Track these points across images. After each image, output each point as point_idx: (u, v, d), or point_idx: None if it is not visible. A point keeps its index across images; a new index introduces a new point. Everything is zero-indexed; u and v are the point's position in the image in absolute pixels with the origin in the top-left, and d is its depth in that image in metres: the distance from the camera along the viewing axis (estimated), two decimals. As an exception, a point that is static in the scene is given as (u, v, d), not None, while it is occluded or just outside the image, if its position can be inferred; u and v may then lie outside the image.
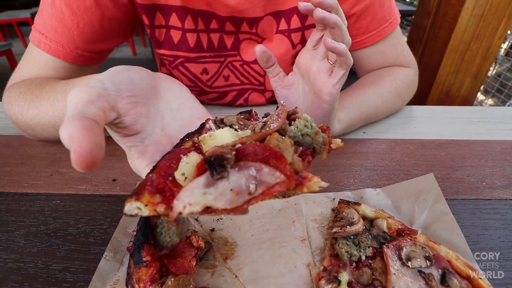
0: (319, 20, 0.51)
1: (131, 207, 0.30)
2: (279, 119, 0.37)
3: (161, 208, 0.31)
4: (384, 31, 0.84)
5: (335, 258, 0.47)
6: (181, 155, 0.33)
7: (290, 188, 0.29)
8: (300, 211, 0.56)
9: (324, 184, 0.30)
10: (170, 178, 0.32)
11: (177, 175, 0.31)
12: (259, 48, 0.59)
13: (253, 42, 0.88)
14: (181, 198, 0.29)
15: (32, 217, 0.56)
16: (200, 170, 0.30)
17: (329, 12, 0.51)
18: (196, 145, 0.38)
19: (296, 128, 0.36)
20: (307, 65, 0.61)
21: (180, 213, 0.28)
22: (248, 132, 0.37)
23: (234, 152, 0.30)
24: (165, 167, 0.33)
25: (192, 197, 0.28)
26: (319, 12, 0.50)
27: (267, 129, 0.36)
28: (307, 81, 0.62)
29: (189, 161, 0.31)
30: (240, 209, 0.28)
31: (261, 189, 0.28)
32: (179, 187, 0.31)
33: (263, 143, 0.32)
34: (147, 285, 0.40)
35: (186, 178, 0.31)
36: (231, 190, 0.28)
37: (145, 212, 0.30)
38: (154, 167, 0.34)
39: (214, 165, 0.28)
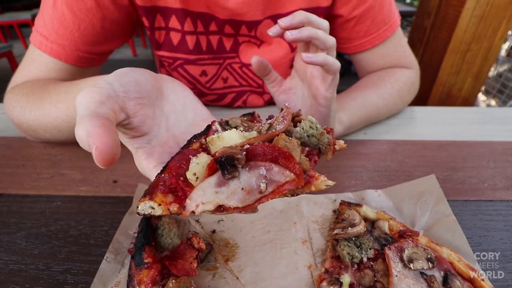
0: (292, 42, 0.52)
1: (145, 206, 0.31)
2: (285, 121, 0.37)
3: (174, 207, 0.31)
4: (384, 34, 0.84)
5: (337, 260, 0.47)
6: (190, 156, 0.33)
7: (299, 186, 0.30)
8: (301, 213, 0.56)
9: (331, 183, 0.32)
10: (181, 178, 0.33)
11: (189, 175, 0.31)
12: (255, 59, 0.60)
13: (252, 45, 0.88)
14: (194, 197, 0.30)
15: (33, 218, 0.56)
16: (211, 170, 0.31)
17: (303, 26, 0.51)
18: (204, 146, 0.38)
19: (302, 130, 0.36)
20: (303, 70, 0.61)
21: (193, 212, 0.29)
22: (254, 133, 0.37)
23: (244, 153, 0.31)
24: (176, 167, 0.34)
25: (204, 196, 0.29)
26: (289, 36, 0.51)
27: (274, 130, 0.36)
28: (306, 85, 0.63)
29: (200, 162, 0.32)
30: (251, 207, 0.29)
31: (271, 187, 0.29)
32: (191, 187, 0.31)
33: (272, 144, 0.32)
34: (148, 287, 0.40)
35: (197, 178, 0.31)
36: (242, 189, 0.29)
37: (158, 211, 0.31)
38: (164, 168, 0.35)
39: (225, 165, 0.29)
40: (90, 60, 0.78)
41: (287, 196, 0.31)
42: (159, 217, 0.51)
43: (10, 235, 0.53)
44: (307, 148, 0.36)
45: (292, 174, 0.30)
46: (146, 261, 0.42)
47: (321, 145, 0.37)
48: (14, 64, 4.07)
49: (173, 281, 0.41)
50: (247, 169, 0.30)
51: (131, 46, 5.74)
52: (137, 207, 0.32)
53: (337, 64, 0.54)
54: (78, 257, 0.49)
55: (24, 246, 0.51)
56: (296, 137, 0.36)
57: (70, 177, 0.67)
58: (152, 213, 0.32)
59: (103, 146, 0.27)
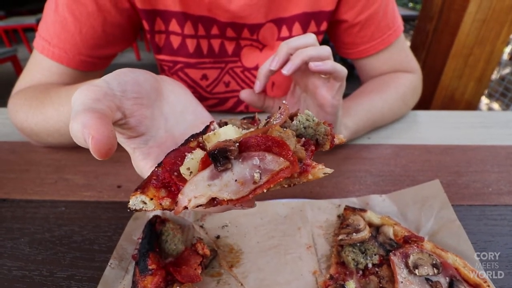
0: (290, 74, 0.53)
1: (136, 200, 0.30)
2: (282, 116, 0.37)
3: (166, 202, 0.31)
4: (388, 39, 0.84)
5: (342, 266, 0.47)
6: (186, 153, 0.33)
7: (294, 173, 0.29)
8: (305, 218, 0.56)
9: (329, 170, 0.31)
10: (175, 173, 0.32)
11: (182, 169, 0.31)
12: (244, 96, 0.63)
13: (254, 49, 0.88)
14: (186, 192, 0.29)
15: (37, 224, 0.57)
16: (204, 165, 0.30)
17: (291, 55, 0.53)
18: (201, 145, 0.38)
19: (298, 122, 0.36)
20: (304, 81, 0.62)
21: (185, 207, 0.28)
22: (251, 130, 0.37)
23: (237, 144, 0.30)
24: (170, 163, 0.33)
25: (196, 190, 0.29)
26: (286, 72, 0.53)
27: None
28: (309, 95, 0.63)
29: (194, 157, 0.31)
30: (246, 199, 0.28)
31: (265, 177, 0.28)
32: (184, 181, 0.30)
33: (265, 134, 0.32)
34: (152, 293, 0.40)
35: (191, 172, 0.31)
36: (235, 180, 0.29)
37: (150, 206, 0.30)
38: (160, 164, 0.34)
39: (218, 157, 0.28)
40: (92, 65, 0.79)
41: (284, 187, 0.30)
42: (163, 223, 0.51)
43: (13, 240, 0.53)
44: (303, 139, 0.35)
45: (285, 161, 0.29)
46: (150, 267, 0.42)
47: (318, 135, 0.36)
48: (18, 68, 4.10)
49: (178, 287, 0.41)
50: (240, 160, 0.29)
51: (135, 50, 5.78)
52: (128, 202, 0.31)
53: (345, 71, 0.54)
54: (82, 263, 0.49)
55: (27, 252, 0.51)
56: (292, 130, 0.35)
57: (73, 182, 0.67)
58: (143, 208, 0.30)
59: (99, 135, 0.26)
